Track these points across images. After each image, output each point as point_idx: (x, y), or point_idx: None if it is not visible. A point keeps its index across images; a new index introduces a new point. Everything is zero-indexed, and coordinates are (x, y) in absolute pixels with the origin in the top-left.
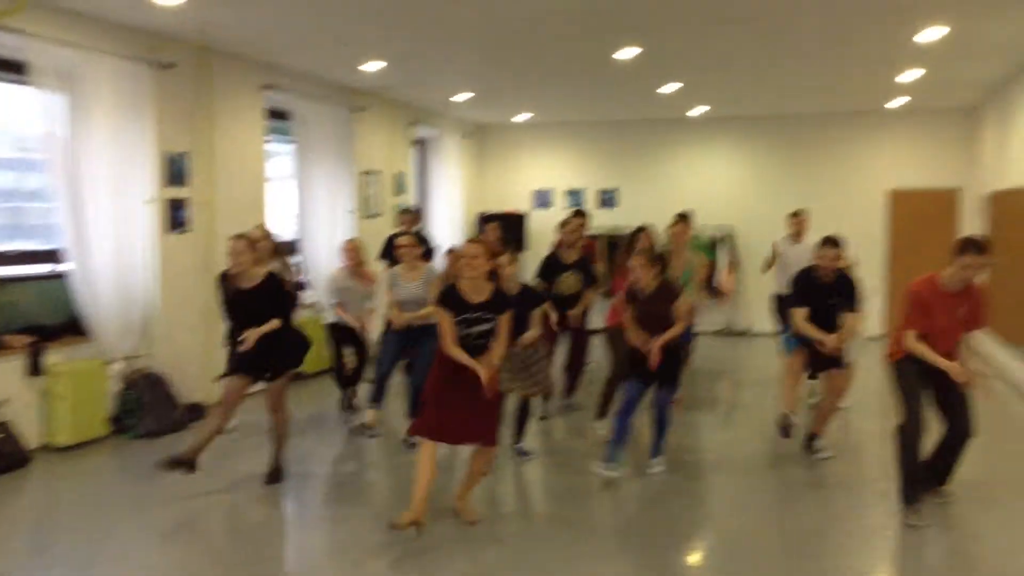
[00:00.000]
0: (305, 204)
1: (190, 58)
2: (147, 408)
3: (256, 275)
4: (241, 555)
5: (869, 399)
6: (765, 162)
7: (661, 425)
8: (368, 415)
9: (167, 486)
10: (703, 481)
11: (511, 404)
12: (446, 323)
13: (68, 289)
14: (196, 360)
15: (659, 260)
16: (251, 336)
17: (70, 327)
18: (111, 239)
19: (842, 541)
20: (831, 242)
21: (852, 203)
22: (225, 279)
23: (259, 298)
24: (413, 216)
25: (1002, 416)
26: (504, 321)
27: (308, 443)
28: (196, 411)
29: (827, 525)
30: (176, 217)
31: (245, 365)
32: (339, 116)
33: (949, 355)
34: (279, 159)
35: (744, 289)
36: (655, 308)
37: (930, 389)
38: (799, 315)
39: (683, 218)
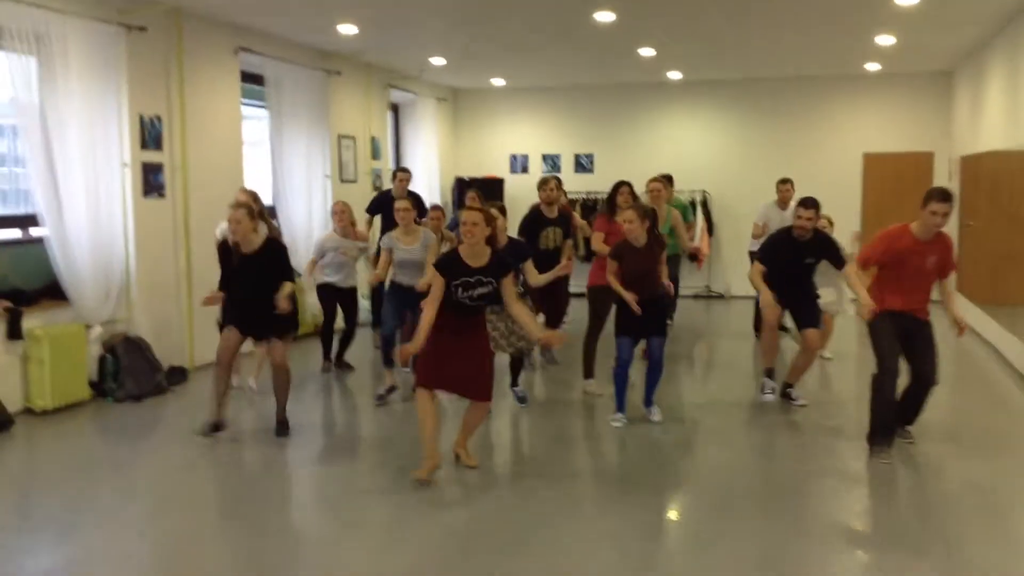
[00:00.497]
0: (280, 169)
1: (162, 20)
2: (127, 372)
3: (256, 241)
4: (226, 513)
5: (851, 352)
6: (741, 126)
7: (655, 374)
8: (387, 378)
9: (149, 447)
10: (688, 430)
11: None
12: (437, 286)
13: (46, 254)
14: (175, 324)
15: (650, 215)
16: (283, 302)
17: (49, 292)
18: (86, 204)
19: (821, 483)
20: (808, 203)
21: (828, 166)
22: (226, 247)
23: (261, 263)
24: (408, 175)
25: (971, 370)
26: (507, 284)
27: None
28: (177, 375)
29: (806, 469)
30: (152, 181)
31: (240, 321)
32: (314, 80)
33: (919, 302)
34: (254, 123)
35: (720, 253)
36: (645, 262)
37: (904, 329)
38: (756, 269)
39: (666, 178)
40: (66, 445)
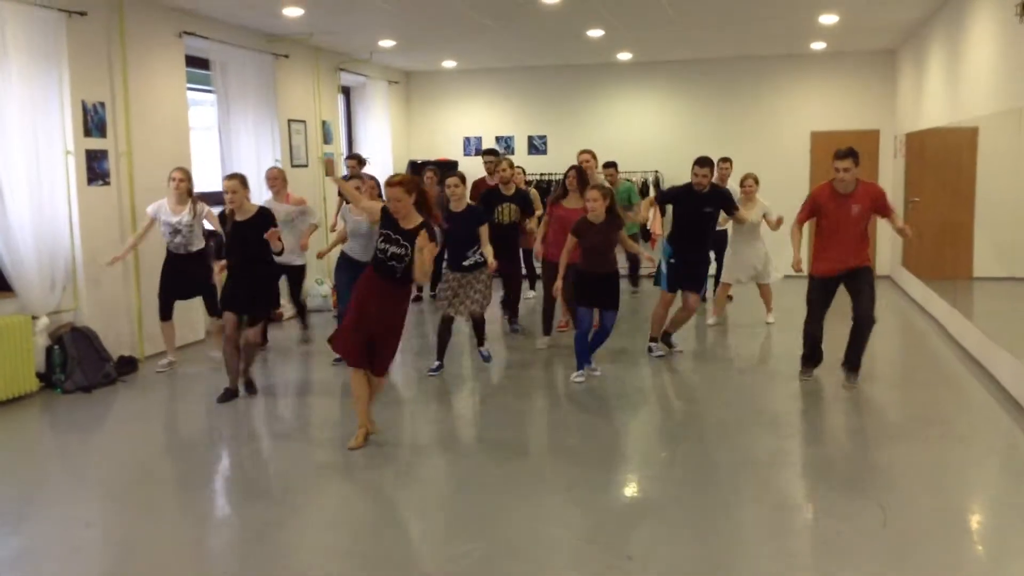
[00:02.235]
0: (229, 155)
1: (103, 4)
2: (75, 363)
3: (250, 209)
4: (175, 503)
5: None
6: (691, 106)
7: (600, 338)
8: None
9: (99, 439)
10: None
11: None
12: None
13: None
14: (124, 314)
15: (609, 193)
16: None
17: None
18: (29, 193)
19: (754, 419)
20: (703, 162)
21: (777, 145)
22: (225, 216)
23: (252, 229)
24: (359, 160)
25: (916, 344)
26: (420, 240)
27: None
28: (127, 364)
29: (743, 408)
30: (96, 169)
31: (235, 303)
32: (261, 63)
33: (853, 249)
34: (201, 109)
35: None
36: (604, 237)
37: (836, 288)
38: (646, 201)
39: (611, 164)
40: (14, 437)
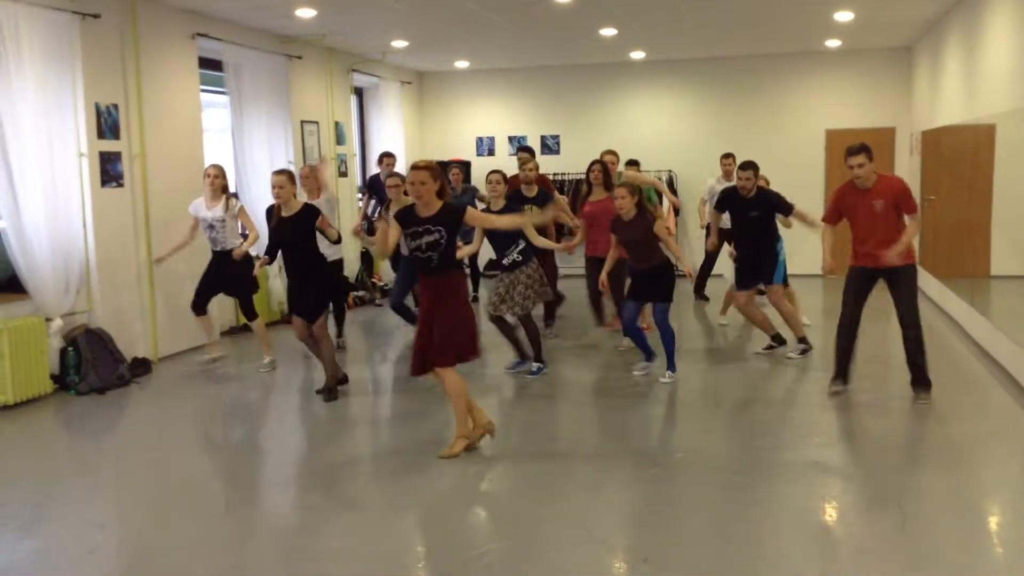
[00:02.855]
0: (242, 156)
1: (116, 6)
2: (89, 365)
3: (296, 205)
4: (191, 504)
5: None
6: (705, 105)
7: (666, 339)
8: None
9: (113, 440)
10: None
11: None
12: (394, 231)
13: (3, 247)
14: (138, 315)
15: (637, 191)
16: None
17: (7, 285)
18: (43, 195)
19: (774, 420)
20: (746, 166)
21: (791, 144)
22: (272, 211)
23: (296, 225)
24: (392, 158)
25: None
26: (471, 217)
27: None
28: (140, 366)
29: (761, 408)
30: (110, 171)
31: (298, 307)
32: (274, 65)
33: (884, 242)
34: (215, 111)
35: (687, 232)
36: (635, 233)
37: (873, 285)
38: (713, 214)
39: (633, 163)
40: (28, 439)
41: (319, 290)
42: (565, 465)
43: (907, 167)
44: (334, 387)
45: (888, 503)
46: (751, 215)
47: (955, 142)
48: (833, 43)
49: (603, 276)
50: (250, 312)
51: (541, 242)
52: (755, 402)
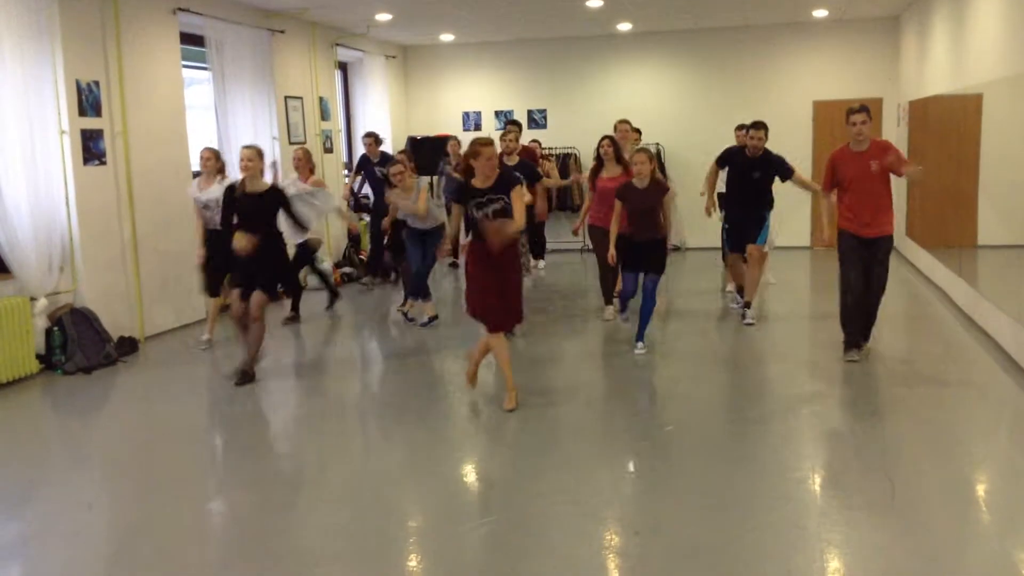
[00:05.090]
0: (226, 132)
1: None
2: (75, 344)
3: (262, 185)
4: (178, 484)
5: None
6: (692, 77)
7: (648, 309)
8: (428, 308)
9: (100, 420)
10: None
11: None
12: (456, 216)
13: None
14: (123, 294)
15: (654, 157)
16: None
17: None
18: (24, 174)
19: (761, 392)
20: (758, 125)
21: (779, 114)
22: (233, 189)
23: (262, 203)
24: (376, 139)
25: (921, 313)
26: (515, 195)
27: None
28: (127, 345)
29: (751, 380)
30: (92, 148)
31: (244, 283)
32: (257, 39)
33: (875, 207)
34: (198, 87)
35: (676, 205)
36: (648, 201)
37: (866, 249)
38: (711, 167)
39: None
40: (15, 419)
41: (270, 270)
42: (555, 439)
43: (894, 137)
44: (250, 371)
45: (877, 473)
46: (753, 175)
47: (942, 112)
48: (820, 13)
49: (611, 251)
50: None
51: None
52: (745, 373)
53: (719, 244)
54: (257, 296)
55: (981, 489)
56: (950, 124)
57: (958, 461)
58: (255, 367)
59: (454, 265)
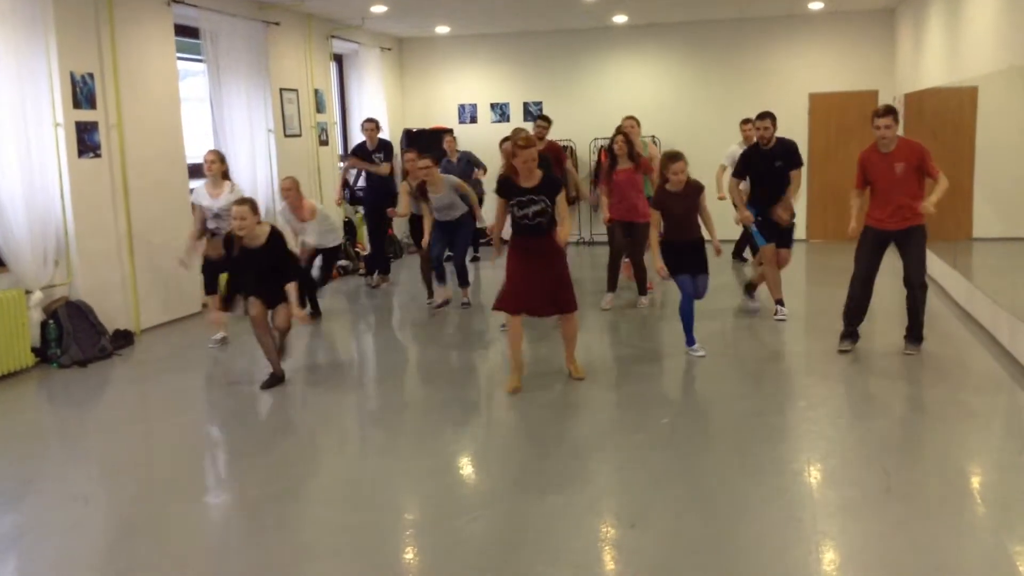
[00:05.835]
0: (221, 125)
1: None
2: (71, 337)
3: (261, 234)
4: (174, 478)
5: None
6: (688, 70)
7: (690, 314)
8: (441, 293)
9: (96, 413)
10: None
11: None
12: (500, 209)
13: None
14: (119, 287)
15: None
16: (301, 318)
17: None
18: (19, 166)
19: (758, 387)
20: (764, 115)
21: (775, 107)
22: (232, 240)
23: (266, 256)
24: (376, 125)
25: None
26: (560, 201)
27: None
28: (122, 338)
29: (747, 375)
30: (86, 141)
31: (259, 292)
32: (252, 31)
33: (903, 206)
34: (193, 79)
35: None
36: (686, 204)
37: (886, 247)
38: (732, 182)
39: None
40: (11, 413)
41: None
42: (550, 431)
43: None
44: (280, 375)
45: (873, 464)
46: (776, 165)
47: (938, 105)
48: (816, 5)
49: (659, 264)
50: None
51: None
52: (741, 365)
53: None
54: (282, 312)
55: (977, 482)
56: (945, 117)
57: (954, 454)
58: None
59: (475, 260)
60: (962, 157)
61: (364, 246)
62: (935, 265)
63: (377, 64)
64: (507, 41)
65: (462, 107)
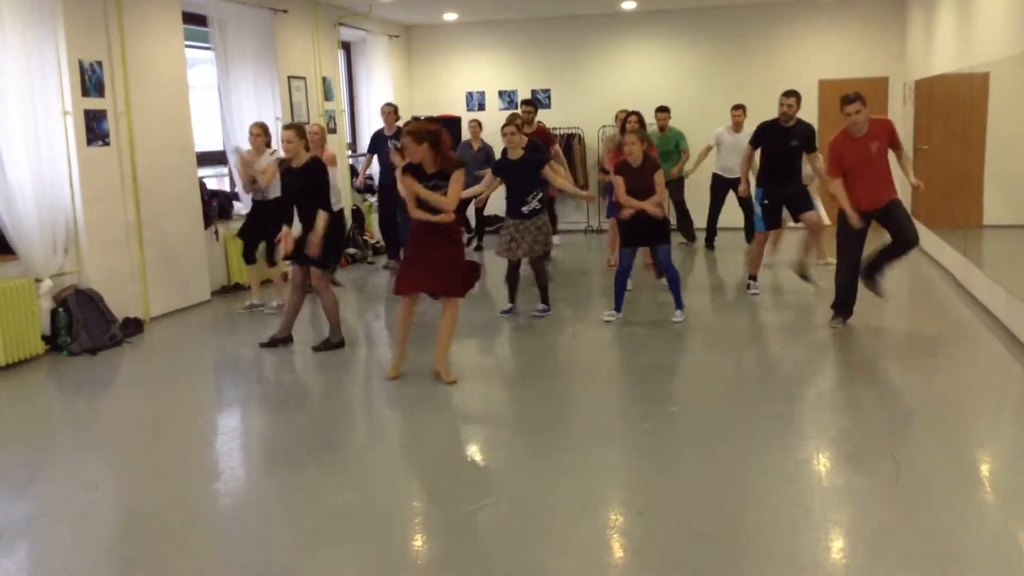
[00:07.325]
0: (230, 113)
1: None
2: (80, 325)
3: (304, 158)
4: (184, 466)
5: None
6: (697, 56)
7: (672, 279)
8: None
9: (106, 401)
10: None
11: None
12: (409, 190)
13: None
14: (128, 275)
15: (645, 138)
16: (313, 248)
17: None
18: (27, 155)
19: (767, 372)
20: (790, 92)
21: None
22: (283, 163)
23: (304, 179)
24: (395, 109)
25: (926, 293)
26: (453, 179)
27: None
28: (132, 326)
29: (756, 360)
30: (95, 129)
31: (299, 256)
32: (260, 19)
33: (880, 183)
34: (201, 67)
35: (686, 184)
36: (641, 179)
37: (868, 226)
38: (747, 152)
39: (663, 109)
40: (21, 401)
41: (328, 240)
42: (558, 419)
43: (900, 117)
44: (339, 340)
45: (882, 454)
46: (792, 144)
47: (948, 91)
48: None
49: (627, 212)
50: (270, 259)
51: (568, 187)
52: (749, 353)
53: (717, 224)
54: (314, 271)
55: (986, 469)
56: (956, 103)
57: (964, 442)
58: (340, 334)
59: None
60: (973, 144)
61: (372, 234)
62: (945, 252)
63: (385, 51)
64: (515, 28)
65: (470, 94)
